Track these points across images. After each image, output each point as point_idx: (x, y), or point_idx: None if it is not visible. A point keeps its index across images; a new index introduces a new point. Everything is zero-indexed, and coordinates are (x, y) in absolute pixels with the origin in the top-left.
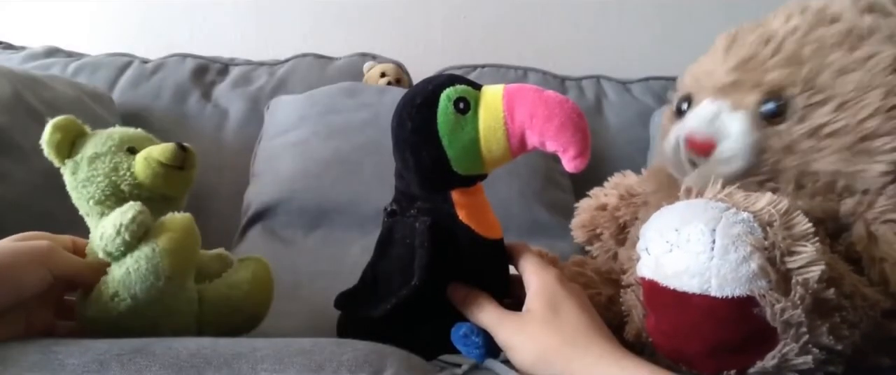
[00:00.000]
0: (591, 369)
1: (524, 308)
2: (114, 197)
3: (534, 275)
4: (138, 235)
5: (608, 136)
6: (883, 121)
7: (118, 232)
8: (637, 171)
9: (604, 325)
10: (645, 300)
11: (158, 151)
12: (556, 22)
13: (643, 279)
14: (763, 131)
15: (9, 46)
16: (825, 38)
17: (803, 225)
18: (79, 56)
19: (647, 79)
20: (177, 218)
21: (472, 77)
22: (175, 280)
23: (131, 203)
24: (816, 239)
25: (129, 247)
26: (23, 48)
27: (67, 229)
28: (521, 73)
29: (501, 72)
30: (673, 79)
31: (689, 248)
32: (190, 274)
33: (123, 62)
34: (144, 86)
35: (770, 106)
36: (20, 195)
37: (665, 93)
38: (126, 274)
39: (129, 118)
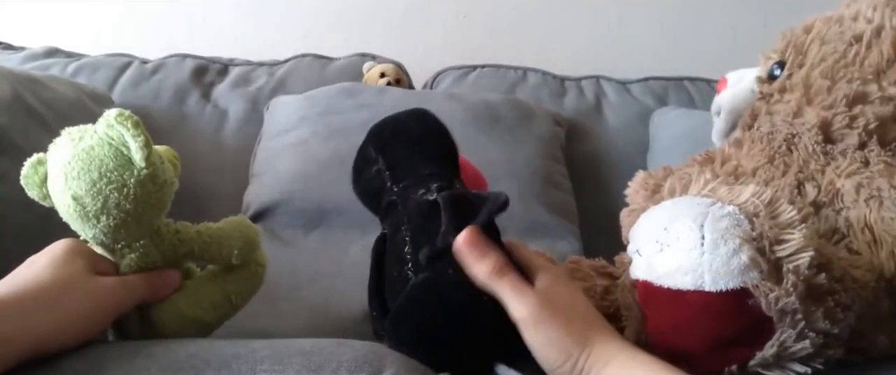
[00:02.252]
0: (610, 357)
1: (546, 297)
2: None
3: (546, 270)
4: None
5: (608, 137)
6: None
7: (258, 239)
8: (636, 172)
9: (609, 324)
10: (641, 301)
11: (169, 151)
12: (555, 22)
13: (637, 281)
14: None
15: (8, 47)
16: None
17: (788, 213)
18: (78, 56)
19: (646, 79)
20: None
21: (471, 77)
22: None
23: (242, 216)
24: (803, 226)
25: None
26: (22, 48)
27: (65, 229)
28: (520, 74)
29: (501, 73)
30: (673, 80)
31: (679, 246)
32: None
33: (123, 62)
34: (144, 86)
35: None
36: (19, 195)
37: (665, 94)
38: (241, 281)
39: None
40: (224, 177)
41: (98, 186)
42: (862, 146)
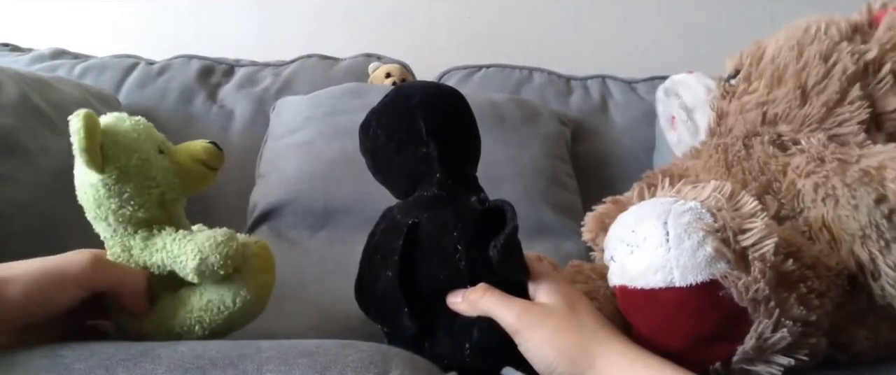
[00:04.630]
0: (614, 367)
1: (538, 302)
2: (157, 208)
3: (544, 275)
4: (236, 266)
5: (613, 136)
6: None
7: (222, 261)
8: (642, 171)
9: (615, 326)
10: (621, 308)
11: (203, 153)
12: (561, 22)
13: (615, 287)
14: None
15: (15, 48)
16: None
17: (750, 204)
18: (85, 57)
19: (652, 78)
20: (262, 249)
21: (476, 77)
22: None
23: (226, 229)
24: (765, 215)
25: (221, 278)
26: (29, 50)
27: (74, 230)
28: (526, 73)
29: (506, 72)
30: None
31: (646, 246)
32: None
33: (129, 63)
34: (150, 87)
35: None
36: (27, 196)
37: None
38: (209, 308)
39: None
40: (230, 178)
41: (77, 182)
42: (830, 109)
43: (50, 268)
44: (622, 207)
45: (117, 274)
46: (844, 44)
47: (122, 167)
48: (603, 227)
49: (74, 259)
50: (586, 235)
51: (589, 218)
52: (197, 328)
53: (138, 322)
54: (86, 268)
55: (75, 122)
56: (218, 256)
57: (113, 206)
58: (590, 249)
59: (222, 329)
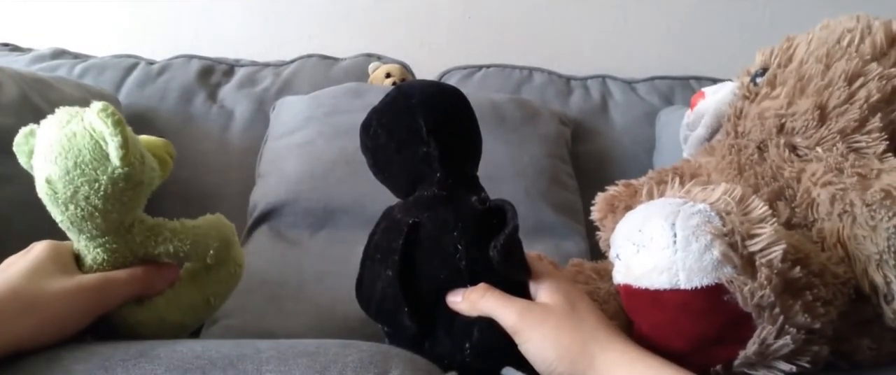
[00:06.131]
0: (614, 366)
1: (538, 302)
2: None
3: (545, 274)
4: None
5: (614, 136)
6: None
7: (234, 237)
8: (642, 172)
9: (616, 325)
10: (624, 306)
11: (166, 145)
12: (561, 22)
13: (619, 285)
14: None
15: (15, 48)
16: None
17: (760, 209)
18: (85, 57)
19: (652, 78)
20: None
21: (477, 77)
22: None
23: (219, 215)
24: (774, 220)
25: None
26: (29, 50)
27: None
28: (526, 74)
29: (506, 73)
30: (679, 79)
31: (653, 246)
32: None
33: (129, 63)
34: (150, 87)
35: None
36: (27, 196)
37: (671, 93)
38: (220, 280)
39: (135, 119)
40: (230, 178)
41: (71, 175)
42: (845, 136)
43: (68, 296)
44: (633, 191)
45: (127, 284)
46: (874, 65)
47: (139, 157)
48: (612, 209)
49: (89, 284)
50: (595, 215)
51: (599, 199)
52: (212, 300)
53: (156, 309)
54: (102, 291)
55: (113, 116)
56: (231, 233)
57: (125, 198)
58: (596, 230)
59: (226, 297)
